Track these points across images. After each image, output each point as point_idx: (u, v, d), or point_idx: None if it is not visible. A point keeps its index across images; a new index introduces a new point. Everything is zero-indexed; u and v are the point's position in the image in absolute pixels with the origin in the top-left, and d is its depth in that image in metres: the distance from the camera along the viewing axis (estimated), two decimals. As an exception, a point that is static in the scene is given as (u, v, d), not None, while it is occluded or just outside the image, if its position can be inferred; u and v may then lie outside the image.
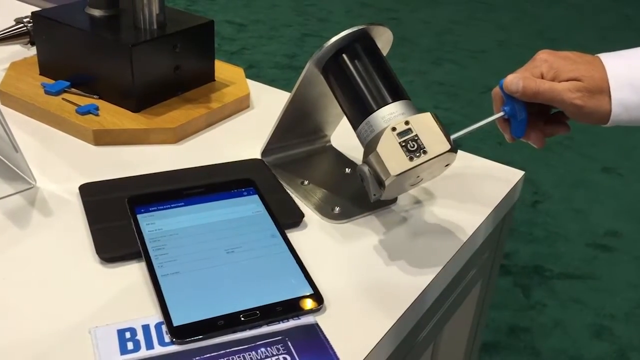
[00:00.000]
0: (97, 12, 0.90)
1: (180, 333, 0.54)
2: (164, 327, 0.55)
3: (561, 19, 3.61)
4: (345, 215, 0.71)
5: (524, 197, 2.03)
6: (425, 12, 3.59)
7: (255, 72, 2.74)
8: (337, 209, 0.72)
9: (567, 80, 0.63)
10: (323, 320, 0.58)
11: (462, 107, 2.60)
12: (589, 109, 0.63)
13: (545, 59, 0.65)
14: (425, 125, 0.62)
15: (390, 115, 0.64)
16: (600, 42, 3.28)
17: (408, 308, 0.60)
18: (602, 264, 1.81)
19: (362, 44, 0.67)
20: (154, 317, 0.56)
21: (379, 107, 0.64)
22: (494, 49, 3.17)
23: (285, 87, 0.93)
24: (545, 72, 0.64)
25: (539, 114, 0.68)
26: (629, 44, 0.67)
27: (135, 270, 0.62)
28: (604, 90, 0.62)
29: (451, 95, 2.69)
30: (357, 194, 0.73)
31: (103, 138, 0.82)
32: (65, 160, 0.79)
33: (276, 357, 0.53)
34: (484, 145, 2.25)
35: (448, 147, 0.61)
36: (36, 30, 0.91)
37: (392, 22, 3.37)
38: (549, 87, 0.63)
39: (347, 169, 0.80)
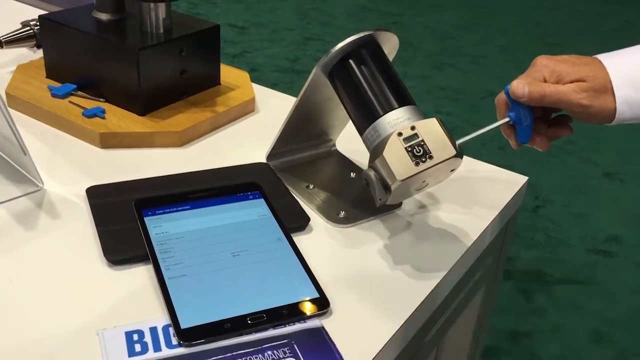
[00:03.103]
0: (103, 16, 0.90)
1: (188, 335, 0.55)
2: (171, 330, 0.55)
3: (562, 25, 3.62)
4: (350, 219, 0.72)
5: (526, 202, 2.04)
6: (427, 17, 3.60)
7: (257, 76, 2.74)
8: (342, 213, 0.72)
9: (571, 82, 0.64)
10: (329, 324, 0.58)
11: (463, 111, 2.61)
12: (596, 108, 0.63)
13: (545, 64, 0.66)
14: (431, 131, 0.62)
15: (396, 120, 0.64)
16: (601, 47, 3.26)
17: (412, 313, 0.61)
18: (602, 269, 1.82)
19: (368, 50, 0.67)
20: (162, 319, 0.57)
21: (385, 112, 0.65)
22: (496, 54, 3.18)
23: (288, 90, 0.93)
24: (548, 77, 0.65)
25: (541, 118, 0.69)
26: (630, 49, 0.68)
27: (142, 273, 0.62)
28: (608, 89, 0.63)
29: (453, 100, 2.70)
30: (362, 198, 0.74)
31: (109, 141, 0.82)
32: (72, 163, 0.79)
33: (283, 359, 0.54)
34: (485, 150, 2.26)
35: (454, 152, 0.62)
36: (43, 33, 0.92)
37: (394, 27, 3.38)
38: (555, 89, 0.64)
39: (352, 173, 0.80)
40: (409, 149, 0.61)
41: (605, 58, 0.65)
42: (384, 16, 3.58)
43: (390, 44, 0.71)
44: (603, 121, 0.65)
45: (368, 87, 0.66)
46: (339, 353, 0.55)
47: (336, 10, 3.61)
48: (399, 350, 0.61)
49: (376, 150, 0.64)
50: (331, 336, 0.56)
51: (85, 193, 0.72)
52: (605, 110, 0.63)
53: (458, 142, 0.64)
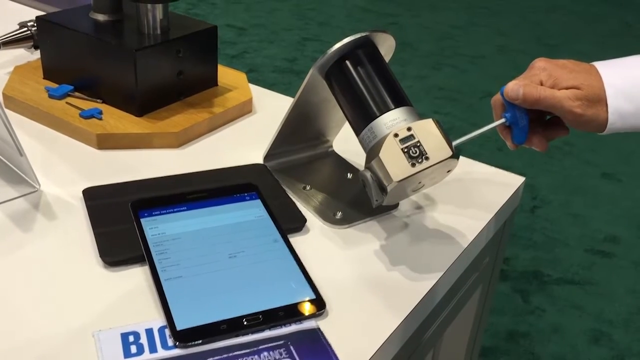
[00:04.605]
0: (101, 17, 0.90)
1: (184, 337, 0.55)
2: (167, 331, 0.55)
3: (561, 26, 3.63)
4: (347, 220, 0.72)
5: (523, 202, 2.04)
6: (425, 17, 3.61)
7: (255, 76, 2.74)
8: (339, 214, 0.72)
9: (566, 88, 0.64)
10: (325, 325, 0.58)
11: (461, 112, 2.61)
12: (588, 117, 0.64)
13: (543, 67, 0.66)
14: (428, 132, 0.62)
15: (392, 121, 0.64)
16: (600, 48, 3.29)
17: (409, 313, 0.61)
18: (600, 269, 1.82)
19: (365, 51, 0.68)
20: (157, 321, 0.57)
21: (382, 113, 0.65)
22: (494, 55, 3.18)
23: (286, 91, 0.93)
24: (545, 80, 0.65)
25: (537, 119, 0.69)
26: (628, 51, 0.68)
27: (138, 274, 0.62)
28: (602, 99, 0.63)
29: (451, 100, 2.70)
30: (359, 199, 0.74)
31: (106, 142, 0.82)
32: (68, 164, 0.79)
33: (279, 361, 0.54)
34: (483, 150, 2.26)
35: (450, 153, 0.62)
36: (40, 34, 0.92)
37: (393, 27, 3.38)
38: (550, 94, 0.64)
39: (349, 174, 0.80)
40: (405, 150, 0.61)
41: (602, 67, 0.65)
42: (382, 17, 3.58)
43: (386, 45, 0.71)
44: (594, 130, 0.65)
45: (364, 88, 0.66)
46: (335, 354, 0.55)
47: (334, 11, 3.61)
48: (395, 351, 0.61)
49: (372, 151, 0.64)
50: (327, 337, 0.56)
51: (81, 194, 0.72)
52: (597, 119, 0.64)
53: (454, 143, 0.64)
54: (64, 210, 0.71)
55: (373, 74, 0.67)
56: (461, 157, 0.80)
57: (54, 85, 0.91)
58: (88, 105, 0.87)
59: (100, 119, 0.85)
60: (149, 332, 0.55)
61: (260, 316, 0.57)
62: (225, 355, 0.54)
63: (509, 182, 0.83)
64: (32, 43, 1.02)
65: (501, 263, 0.92)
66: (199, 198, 0.69)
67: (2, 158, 0.77)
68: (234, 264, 0.62)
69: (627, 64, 0.64)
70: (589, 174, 2.27)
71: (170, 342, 0.55)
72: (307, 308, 0.59)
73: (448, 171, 0.65)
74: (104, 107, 0.87)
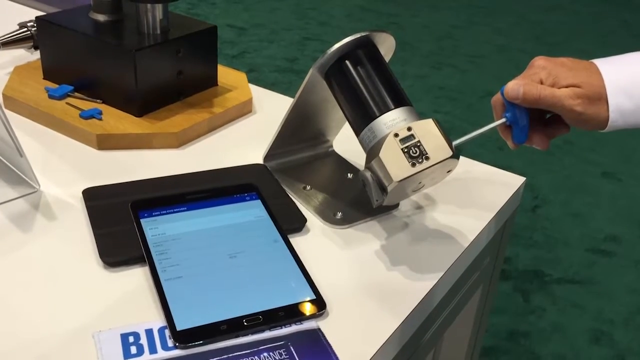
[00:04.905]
0: (100, 17, 0.90)
1: (184, 337, 0.54)
2: (167, 332, 0.55)
3: (560, 25, 3.62)
4: (347, 220, 0.72)
5: (524, 202, 2.04)
6: (425, 17, 3.60)
7: (255, 76, 2.74)
8: (339, 214, 0.72)
9: (566, 87, 0.64)
10: (325, 325, 0.58)
11: (461, 111, 2.61)
12: (588, 116, 0.63)
13: (543, 65, 0.66)
14: (428, 132, 0.62)
15: (392, 121, 0.64)
16: (600, 47, 3.29)
17: (410, 313, 0.61)
18: (601, 269, 1.82)
19: (365, 51, 0.67)
20: (157, 321, 0.57)
21: (382, 113, 0.65)
22: (493, 54, 3.18)
23: (286, 90, 0.93)
24: (545, 79, 0.65)
25: (537, 118, 0.69)
26: (628, 50, 0.68)
27: (138, 275, 0.62)
28: (602, 96, 0.63)
29: (451, 100, 2.70)
30: (359, 199, 0.74)
31: (106, 142, 0.82)
32: (68, 165, 0.79)
33: (279, 361, 0.54)
34: (484, 150, 2.26)
35: (450, 153, 0.62)
36: (40, 34, 0.92)
37: (393, 27, 3.38)
38: (550, 93, 0.64)
39: (349, 174, 0.80)
40: (405, 150, 0.61)
41: (602, 64, 0.64)
42: (382, 16, 3.58)
43: (386, 45, 0.71)
44: (595, 127, 0.65)
45: (364, 88, 0.66)
46: (335, 354, 0.55)
47: (335, 11, 3.61)
48: (396, 351, 0.61)
49: (373, 151, 0.64)
50: (328, 337, 0.56)
51: (81, 195, 0.72)
52: (597, 117, 0.63)
53: (455, 143, 0.64)
54: (64, 211, 0.70)
55: (373, 74, 0.67)
56: (461, 157, 0.80)
57: (54, 86, 0.91)
58: (88, 105, 0.87)
59: (100, 119, 0.85)
60: (149, 332, 0.55)
61: (261, 316, 0.57)
62: (225, 356, 0.54)
63: (509, 182, 0.82)
64: (32, 43, 1.02)
65: (502, 263, 0.92)
66: (199, 198, 0.69)
67: (1, 158, 0.77)
68: (234, 264, 0.62)
69: (627, 61, 0.64)
70: (590, 173, 2.27)
71: (170, 343, 0.54)
72: (307, 308, 0.59)
73: (448, 171, 0.65)
74: (103, 108, 0.87)
